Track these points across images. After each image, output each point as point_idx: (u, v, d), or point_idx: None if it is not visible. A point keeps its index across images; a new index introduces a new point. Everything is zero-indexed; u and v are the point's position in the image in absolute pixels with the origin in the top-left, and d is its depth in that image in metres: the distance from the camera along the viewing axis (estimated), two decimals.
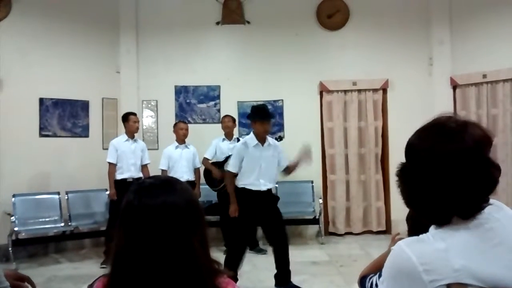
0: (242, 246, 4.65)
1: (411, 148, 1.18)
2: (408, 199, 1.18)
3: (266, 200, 4.70)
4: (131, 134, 6.22)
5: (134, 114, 6.32)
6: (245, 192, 4.64)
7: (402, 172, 1.19)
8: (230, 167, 4.75)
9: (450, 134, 1.12)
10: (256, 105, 5.30)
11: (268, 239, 4.87)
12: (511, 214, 1.16)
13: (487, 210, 1.11)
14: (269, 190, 4.76)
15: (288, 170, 4.88)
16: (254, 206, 4.62)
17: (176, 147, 6.53)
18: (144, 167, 6.26)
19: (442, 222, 1.12)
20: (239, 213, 4.64)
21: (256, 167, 4.64)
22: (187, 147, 6.57)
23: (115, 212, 5.92)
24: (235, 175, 4.71)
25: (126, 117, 6.26)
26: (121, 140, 6.21)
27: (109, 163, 6.06)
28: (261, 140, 4.70)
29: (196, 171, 6.58)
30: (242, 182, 4.69)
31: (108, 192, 6.30)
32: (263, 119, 4.65)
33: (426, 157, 1.12)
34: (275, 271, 4.74)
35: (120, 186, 5.94)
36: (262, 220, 4.77)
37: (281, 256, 4.66)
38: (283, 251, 4.67)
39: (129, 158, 6.11)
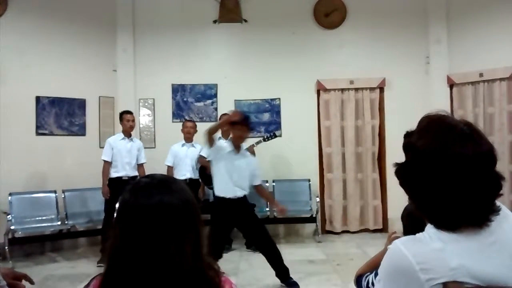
0: (218, 250, 4.59)
1: (420, 149, 1.14)
2: (417, 201, 1.17)
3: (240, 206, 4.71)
4: (126, 132, 6.24)
5: (129, 112, 6.33)
6: (220, 201, 4.65)
7: (406, 172, 1.17)
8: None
9: (465, 138, 1.11)
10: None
11: (254, 244, 4.87)
12: (506, 213, 1.17)
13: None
14: (244, 196, 4.75)
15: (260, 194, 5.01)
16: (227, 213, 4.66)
17: (183, 145, 6.58)
18: (140, 166, 6.27)
19: (451, 228, 1.10)
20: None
21: (227, 174, 4.60)
22: (193, 146, 6.58)
23: (109, 210, 5.97)
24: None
25: (120, 116, 6.33)
26: (117, 139, 6.23)
27: (104, 160, 6.09)
28: (237, 147, 4.66)
29: None
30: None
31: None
32: (244, 124, 4.62)
33: (439, 159, 1.10)
34: (272, 270, 4.74)
35: (115, 184, 5.98)
36: (240, 227, 4.83)
37: (271, 257, 4.67)
38: (270, 252, 4.67)
39: (124, 157, 6.12)
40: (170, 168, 6.46)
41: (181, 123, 6.84)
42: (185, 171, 6.37)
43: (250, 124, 4.76)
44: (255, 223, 4.80)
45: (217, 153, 4.61)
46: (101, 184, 6.10)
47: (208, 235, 4.48)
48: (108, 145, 6.15)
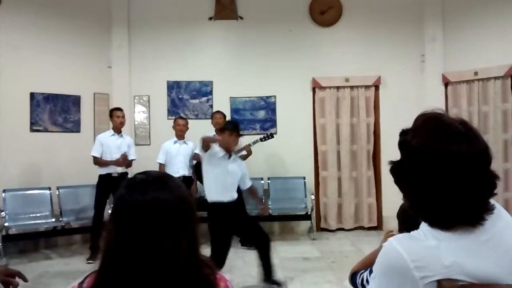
0: (223, 257, 4.51)
1: (415, 147, 1.13)
2: (411, 199, 1.17)
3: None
4: (116, 129, 6.25)
5: (119, 109, 6.34)
6: (218, 207, 4.55)
7: (400, 170, 1.17)
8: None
9: (460, 136, 1.10)
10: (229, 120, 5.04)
11: (252, 242, 4.79)
12: (500, 211, 1.17)
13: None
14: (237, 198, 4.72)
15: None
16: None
17: (175, 142, 6.55)
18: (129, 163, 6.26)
19: (445, 226, 1.10)
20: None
21: (223, 179, 4.55)
22: (186, 143, 6.56)
23: (98, 206, 6.02)
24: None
25: (110, 113, 6.34)
26: (107, 135, 6.26)
27: (93, 156, 6.11)
28: (228, 152, 4.59)
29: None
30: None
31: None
32: (233, 130, 4.57)
33: (434, 157, 1.09)
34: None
35: (105, 180, 6.03)
36: (238, 230, 4.80)
37: (266, 253, 4.60)
38: (267, 248, 4.60)
39: (114, 153, 6.13)
40: (162, 166, 6.40)
41: None
42: (178, 168, 6.30)
43: (239, 131, 4.69)
44: (251, 221, 4.78)
45: (211, 158, 4.54)
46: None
47: (211, 243, 4.43)
48: (98, 141, 6.19)
